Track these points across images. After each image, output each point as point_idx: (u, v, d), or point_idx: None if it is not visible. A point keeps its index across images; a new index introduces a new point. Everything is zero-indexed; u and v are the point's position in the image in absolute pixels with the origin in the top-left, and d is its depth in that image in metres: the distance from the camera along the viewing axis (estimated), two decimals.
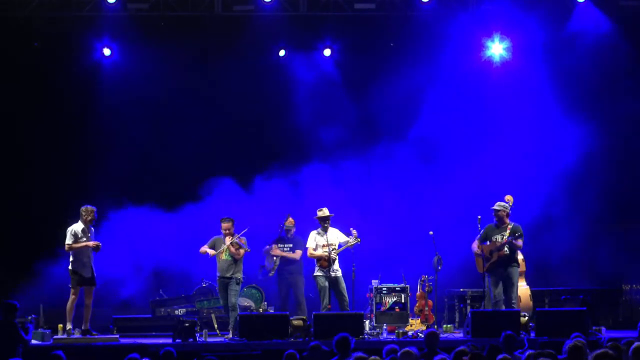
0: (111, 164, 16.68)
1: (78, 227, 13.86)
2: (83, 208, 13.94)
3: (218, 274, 14.47)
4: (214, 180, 16.75)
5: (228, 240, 14.39)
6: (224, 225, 14.46)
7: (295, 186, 16.95)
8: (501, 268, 14.23)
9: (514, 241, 14.21)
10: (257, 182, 16.92)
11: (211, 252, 14.39)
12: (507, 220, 14.36)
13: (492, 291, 14.30)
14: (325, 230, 14.50)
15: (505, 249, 14.24)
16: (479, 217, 14.47)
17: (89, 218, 13.88)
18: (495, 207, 14.35)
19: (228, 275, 14.37)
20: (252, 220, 15.17)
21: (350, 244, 14.48)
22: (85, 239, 13.81)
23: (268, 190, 16.79)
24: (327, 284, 14.32)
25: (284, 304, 15.35)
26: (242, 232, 14.47)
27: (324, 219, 14.51)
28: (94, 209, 14.00)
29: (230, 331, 14.29)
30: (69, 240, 13.77)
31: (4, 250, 16.54)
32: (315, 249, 14.45)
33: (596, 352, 8.38)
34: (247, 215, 15.78)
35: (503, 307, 14.12)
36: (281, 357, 9.79)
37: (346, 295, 14.48)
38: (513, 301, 14.26)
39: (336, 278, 14.41)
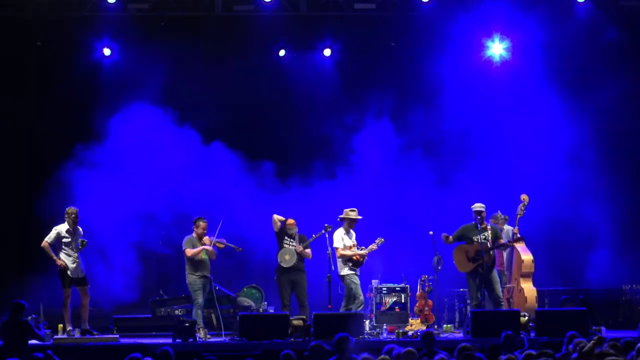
0: (109, 164, 16.69)
1: (62, 227, 14.00)
2: (67, 209, 14.09)
3: (197, 274, 14.39)
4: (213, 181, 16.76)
5: (207, 240, 14.41)
6: (203, 224, 14.49)
7: (291, 187, 16.97)
8: (486, 271, 14.23)
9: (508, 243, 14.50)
10: (255, 183, 16.92)
11: (207, 250, 14.37)
12: (485, 222, 14.44)
13: (472, 293, 14.32)
14: (349, 230, 14.53)
15: (491, 252, 14.28)
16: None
17: (71, 218, 13.97)
18: (479, 207, 14.35)
19: (208, 274, 14.45)
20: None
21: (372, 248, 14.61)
22: (70, 239, 13.93)
23: (265, 190, 16.80)
24: (358, 282, 14.43)
25: (287, 303, 15.04)
26: (218, 230, 14.49)
27: (353, 221, 14.54)
28: (76, 209, 14.12)
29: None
30: (48, 238, 13.92)
31: (4, 250, 16.55)
32: (344, 249, 14.48)
33: (597, 351, 8.41)
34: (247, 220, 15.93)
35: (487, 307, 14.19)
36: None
37: None
38: (501, 301, 14.28)
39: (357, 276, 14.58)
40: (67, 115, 16.94)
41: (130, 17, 17.16)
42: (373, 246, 14.57)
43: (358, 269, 14.51)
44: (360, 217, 14.65)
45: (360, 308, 14.36)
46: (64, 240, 13.96)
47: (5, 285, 15.88)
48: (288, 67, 17.68)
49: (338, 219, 14.72)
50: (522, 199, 15.02)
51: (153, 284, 16.63)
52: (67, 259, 13.92)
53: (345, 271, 14.45)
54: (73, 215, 14.01)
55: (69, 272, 13.89)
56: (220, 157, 16.87)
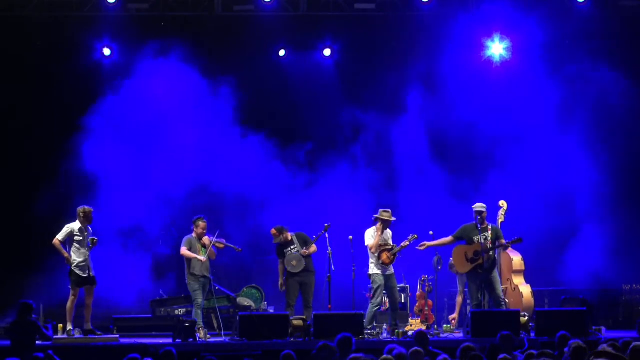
0: (109, 163, 16.69)
1: (75, 225, 14.01)
2: (80, 208, 14.10)
3: (196, 274, 14.38)
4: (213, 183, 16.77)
5: (206, 240, 14.42)
6: (203, 224, 14.49)
7: (290, 187, 16.98)
8: (486, 271, 14.19)
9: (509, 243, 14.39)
10: (256, 182, 16.92)
11: (207, 255, 14.37)
12: (486, 222, 14.39)
13: (473, 293, 14.28)
14: (382, 230, 14.49)
15: (491, 252, 14.25)
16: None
17: (83, 217, 13.99)
18: (480, 208, 14.29)
19: (208, 274, 14.46)
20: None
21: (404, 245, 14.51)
22: (82, 238, 13.94)
23: (262, 190, 16.80)
24: (383, 282, 14.38)
25: (292, 304, 14.81)
26: (217, 235, 14.55)
27: (387, 222, 14.49)
28: (91, 209, 14.14)
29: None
30: (60, 236, 13.93)
31: (4, 249, 16.55)
32: (373, 245, 14.49)
33: (596, 350, 8.42)
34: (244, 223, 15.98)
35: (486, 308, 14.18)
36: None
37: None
38: (502, 301, 14.26)
39: (391, 276, 14.49)
40: (66, 115, 16.94)
41: (130, 17, 17.18)
42: (405, 243, 14.45)
43: (389, 267, 14.41)
44: (394, 219, 14.60)
45: (374, 310, 14.36)
46: (75, 238, 13.98)
47: (5, 285, 15.87)
48: (288, 67, 17.69)
49: (373, 218, 14.68)
50: (500, 205, 14.89)
51: (153, 284, 16.62)
52: (78, 257, 13.91)
53: (372, 269, 14.48)
54: (90, 215, 14.02)
55: (79, 272, 13.87)
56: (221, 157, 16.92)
